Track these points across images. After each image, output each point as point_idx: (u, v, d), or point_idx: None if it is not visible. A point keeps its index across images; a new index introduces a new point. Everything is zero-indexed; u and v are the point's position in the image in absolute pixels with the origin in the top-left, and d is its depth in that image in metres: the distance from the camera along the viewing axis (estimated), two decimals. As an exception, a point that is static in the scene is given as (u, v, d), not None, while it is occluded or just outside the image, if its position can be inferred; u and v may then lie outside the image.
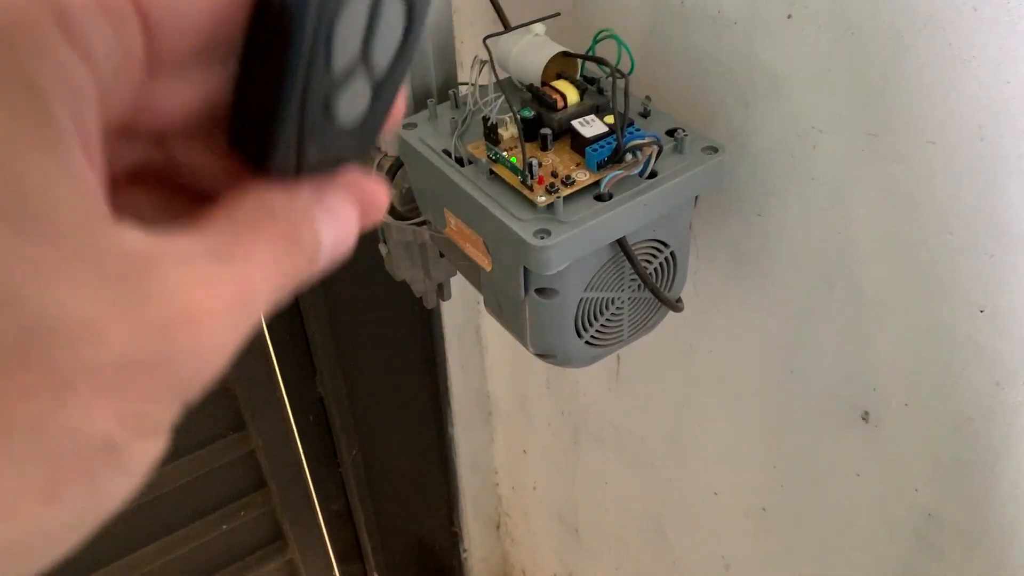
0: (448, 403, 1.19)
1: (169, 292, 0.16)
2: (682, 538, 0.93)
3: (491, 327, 1.13)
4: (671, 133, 0.52)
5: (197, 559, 1.23)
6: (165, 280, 0.16)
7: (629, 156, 0.49)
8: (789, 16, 0.52)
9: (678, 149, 0.51)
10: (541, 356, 0.55)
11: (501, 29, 0.57)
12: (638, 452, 0.92)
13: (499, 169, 0.50)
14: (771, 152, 0.57)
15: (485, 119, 0.51)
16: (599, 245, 0.48)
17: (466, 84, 0.55)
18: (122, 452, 0.16)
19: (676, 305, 0.55)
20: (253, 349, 1.02)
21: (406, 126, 0.55)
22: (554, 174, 0.49)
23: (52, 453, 0.15)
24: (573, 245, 0.47)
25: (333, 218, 0.20)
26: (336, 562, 1.34)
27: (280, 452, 1.16)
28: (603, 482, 1.04)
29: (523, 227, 0.47)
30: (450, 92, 0.56)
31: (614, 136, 0.49)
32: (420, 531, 1.36)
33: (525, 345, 0.55)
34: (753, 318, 0.66)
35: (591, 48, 0.56)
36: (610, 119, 0.50)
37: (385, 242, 0.66)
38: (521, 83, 0.56)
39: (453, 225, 0.54)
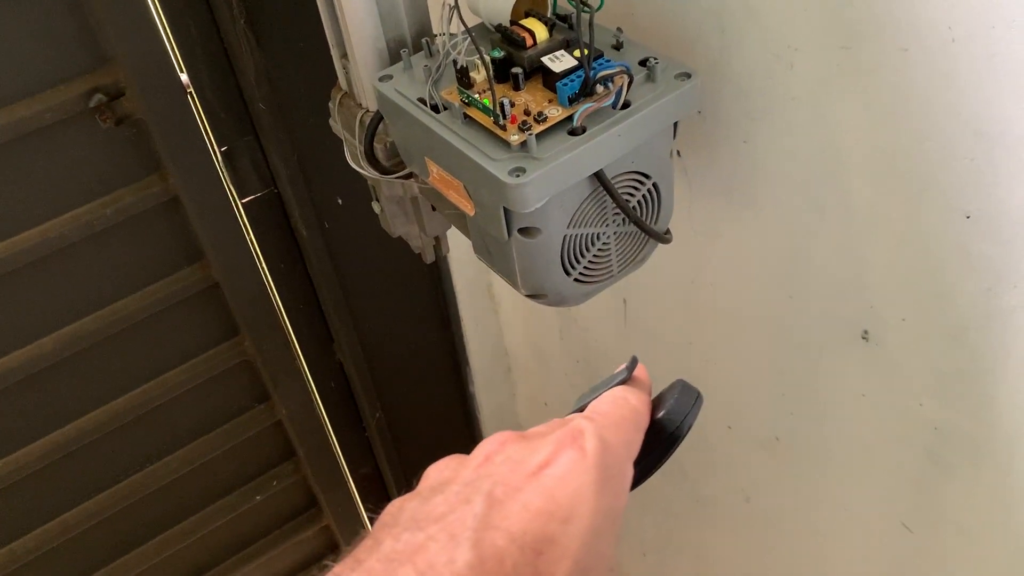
0: (466, 360, 1.20)
1: None
2: (700, 472, 0.93)
3: (502, 282, 1.13)
4: (643, 63, 0.52)
5: (234, 530, 1.26)
6: None
7: (600, 88, 0.48)
8: (756, -65, 0.51)
9: (651, 78, 0.50)
10: (532, 297, 0.55)
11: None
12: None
13: (472, 112, 0.50)
14: (750, 76, 0.57)
15: (455, 63, 0.51)
16: (576, 179, 0.48)
17: (442, 20, 0.55)
18: None
19: (664, 237, 0.55)
20: (268, 321, 1.04)
21: (382, 78, 0.55)
22: (527, 112, 0.49)
23: None
24: (549, 181, 0.47)
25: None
26: (370, 524, 1.37)
27: (305, 420, 1.18)
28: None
29: (498, 167, 0.47)
30: (423, 41, 0.56)
31: (583, 69, 0.49)
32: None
33: (516, 287, 0.55)
34: (749, 247, 0.66)
35: (562, -16, 0.55)
36: (579, 53, 0.49)
37: (377, 199, 0.67)
38: (492, 24, 0.56)
39: (435, 173, 0.54)
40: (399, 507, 0.33)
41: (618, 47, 0.53)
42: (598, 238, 0.53)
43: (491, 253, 0.56)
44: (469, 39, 0.50)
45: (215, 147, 0.87)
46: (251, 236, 0.95)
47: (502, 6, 0.52)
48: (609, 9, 0.55)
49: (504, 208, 0.49)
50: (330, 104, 0.65)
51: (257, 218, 0.94)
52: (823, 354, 0.66)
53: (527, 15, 0.52)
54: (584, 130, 0.48)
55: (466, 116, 0.50)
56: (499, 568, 0.28)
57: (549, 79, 0.50)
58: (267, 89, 0.81)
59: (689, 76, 0.51)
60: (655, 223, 0.56)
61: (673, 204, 0.57)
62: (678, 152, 0.66)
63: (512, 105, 0.49)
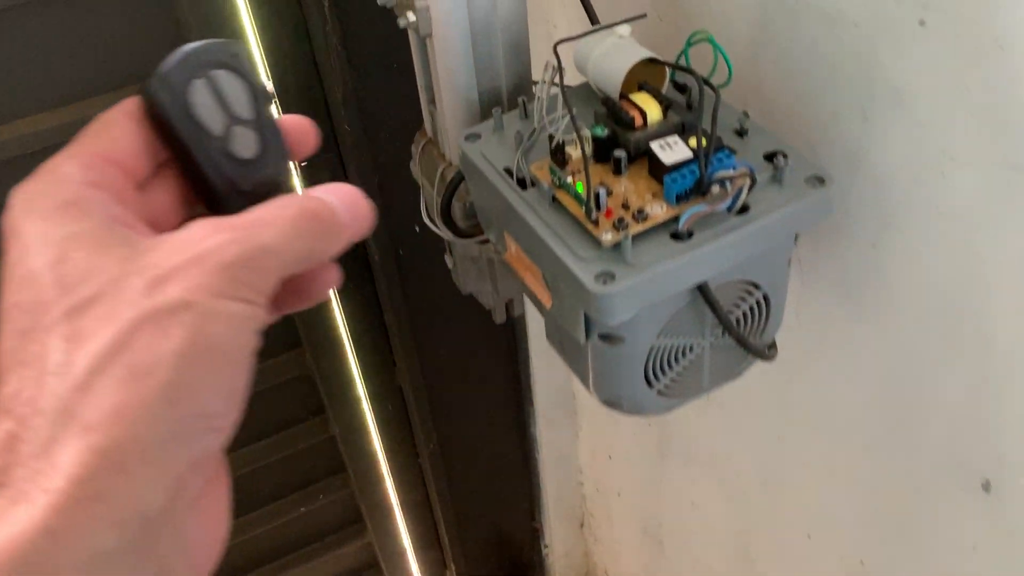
0: (531, 400, 1.14)
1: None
2: (771, 573, 0.85)
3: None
4: (770, 158, 0.44)
5: (276, 538, 1.24)
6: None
7: (716, 188, 0.41)
8: (921, 22, 0.43)
9: (777, 179, 0.43)
10: (606, 404, 0.48)
11: (588, 27, 0.50)
12: (727, 477, 0.84)
13: (562, 196, 0.43)
14: (892, 177, 0.49)
15: (551, 137, 0.44)
16: (674, 291, 0.42)
17: (539, 87, 0.49)
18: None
19: (767, 354, 0.48)
20: (329, 338, 1.00)
21: (468, 137, 0.49)
22: (625, 206, 0.42)
23: None
24: (642, 292, 0.40)
25: (324, 190, 0.28)
26: (414, 549, 1.32)
27: (357, 439, 1.14)
28: (690, 501, 0.97)
29: (583, 268, 0.40)
30: (520, 100, 0.50)
31: (698, 163, 0.41)
32: (500, 524, 1.33)
33: (587, 388, 0.49)
34: (863, 358, 0.58)
35: (683, 52, 0.48)
36: (696, 141, 0.42)
37: (451, 253, 0.61)
38: (601, 90, 0.49)
39: (513, 251, 0.48)
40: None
41: (741, 133, 0.46)
42: (691, 350, 0.46)
43: (564, 347, 0.49)
44: (569, 113, 0.43)
45: (295, 162, 0.82)
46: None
47: (613, 76, 0.46)
48: (731, 85, 0.48)
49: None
50: (413, 147, 0.59)
51: (331, 236, 0.89)
52: (931, 493, 0.57)
53: (640, 88, 0.45)
54: (690, 235, 0.41)
55: (555, 199, 0.44)
56: None
57: (656, 168, 0.43)
58: (355, 110, 0.77)
59: (822, 181, 0.43)
60: (760, 335, 0.49)
61: (783, 315, 0.50)
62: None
63: (609, 194, 0.43)
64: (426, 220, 0.56)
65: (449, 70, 0.50)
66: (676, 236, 0.41)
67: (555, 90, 0.46)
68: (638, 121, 0.44)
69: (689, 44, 0.48)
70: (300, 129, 0.30)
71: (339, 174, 0.85)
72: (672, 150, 0.42)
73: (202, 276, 0.23)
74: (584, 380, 0.48)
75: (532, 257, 0.45)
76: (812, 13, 0.49)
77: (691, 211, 0.41)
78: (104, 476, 0.21)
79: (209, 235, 0.24)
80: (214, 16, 0.71)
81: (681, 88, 0.49)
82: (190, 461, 0.23)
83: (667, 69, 0.47)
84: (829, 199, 0.43)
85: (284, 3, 0.72)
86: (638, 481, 1.09)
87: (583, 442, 1.23)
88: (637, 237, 0.41)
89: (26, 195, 0.25)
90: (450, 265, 0.62)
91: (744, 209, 0.42)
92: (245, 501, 1.17)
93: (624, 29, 0.48)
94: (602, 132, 0.44)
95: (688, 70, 0.44)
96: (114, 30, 0.71)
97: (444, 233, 0.55)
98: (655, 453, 1.01)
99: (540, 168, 0.45)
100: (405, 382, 1.07)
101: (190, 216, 0.28)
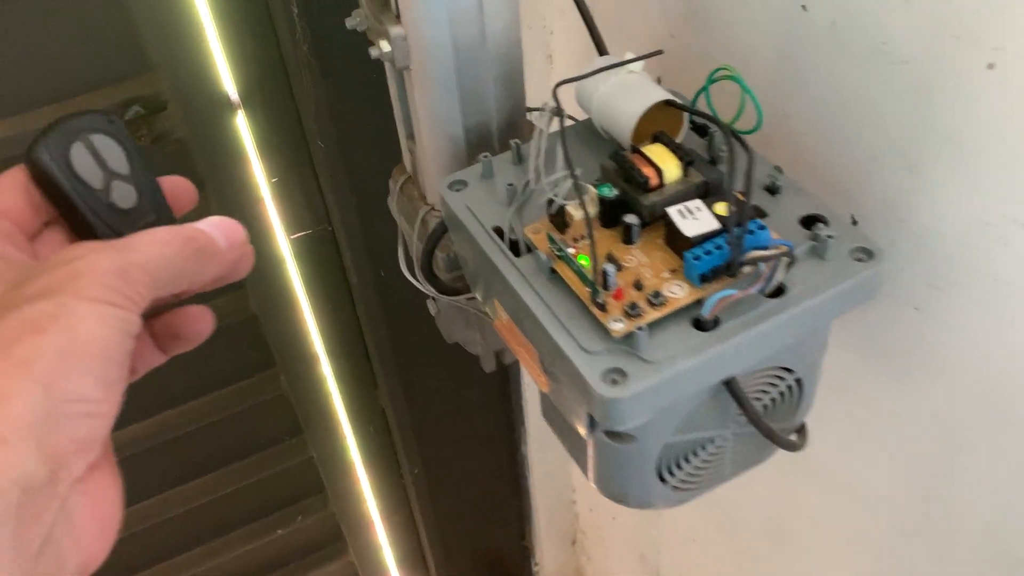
0: (522, 421, 1.07)
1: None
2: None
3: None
4: (808, 223, 0.38)
5: (255, 557, 1.18)
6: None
7: (747, 268, 0.35)
8: (990, 66, 0.36)
9: (817, 252, 0.36)
10: (610, 498, 0.42)
11: (591, 58, 0.43)
12: (728, 519, 0.78)
13: (563, 270, 0.37)
14: (942, 236, 0.42)
15: (549, 201, 0.37)
16: (696, 389, 0.35)
17: (536, 134, 0.42)
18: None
19: (794, 444, 0.42)
20: (305, 358, 0.93)
21: (454, 184, 0.42)
22: (638, 285, 0.35)
23: None
24: (659, 394, 0.34)
25: (205, 221, 0.31)
26: (398, 568, 1.27)
27: (336, 460, 1.08)
28: (691, 539, 0.91)
29: (588, 363, 0.34)
30: (513, 143, 0.43)
31: (726, 237, 0.35)
32: (488, 544, 1.27)
33: (587, 478, 0.42)
34: (892, 425, 0.52)
35: (703, 91, 0.41)
36: (723, 207, 0.36)
37: (434, 300, 0.54)
38: (606, 132, 0.42)
39: (504, 321, 0.41)
40: None
41: (773, 191, 0.39)
42: (711, 442, 0.40)
43: (561, 431, 0.43)
44: (572, 173, 0.36)
45: (265, 176, 0.75)
46: (297, 273, 0.84)
47: (622, 121, 0.39)
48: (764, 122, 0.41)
49: (590, 410, 0.36)
50: (391, 182, 0.52)
51: (306, 255, 0.82)
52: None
53: (655, 138, 0.39)
54: (716, 323, 0.34)
55: (553, 272, 0.37)
56: None
57: (676, 240, 0.36)
58: (329, 126, 0.69)
59: (871, 255, 0.36)
60: (790, 419, 0.42)
61: (816, 394, 0.43)
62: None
63: (619, 269, 0.36)
64: (405, 271, 0.49)
65: (431, 106, 0.43)
66: (700, 324, 0.35)
67: (553, 132, 0.39)
68: (653, 181, 0.37)
69: (711, 81, 0.41)
70: (179, 187, 0.33)
71: (312, 192, 0.77)
72: (695, 219, 0.35)
73: (77, 282, 0.26)
74: (585, 471, 0.42)
75: (527, 335, 0.39)
76: (853, 45, 0.42)
77: (718, 296, 0.34)
78: None
79: (87, 251, 0.27)
80: (171, 22, 0.64)
81: (700, 130, 0.43)
82: (71, 440, 0.26)
83: (684, 114, 0.40)
84: (879, 278, 0.36)
85: (249, 9, 0.64)
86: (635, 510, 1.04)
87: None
88: (653, 326, 0.34)
89: None
90: (433, 312, 0.55)
91: (779, 291, 0.35)
92: (223, 521, 1.11)
93: (635, 64, 0.41)
94: (610, 192, 0.37)
95: (716, 121, 0.37)
96: (66, 38, 0.63)
97: (426, 289, 0.48)
98: (653, 484, 0.95)
99: (537, 232, 0.38)
100: (387, 404, 1.00)
101: None
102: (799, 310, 0.35)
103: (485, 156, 0.42)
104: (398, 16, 0.40)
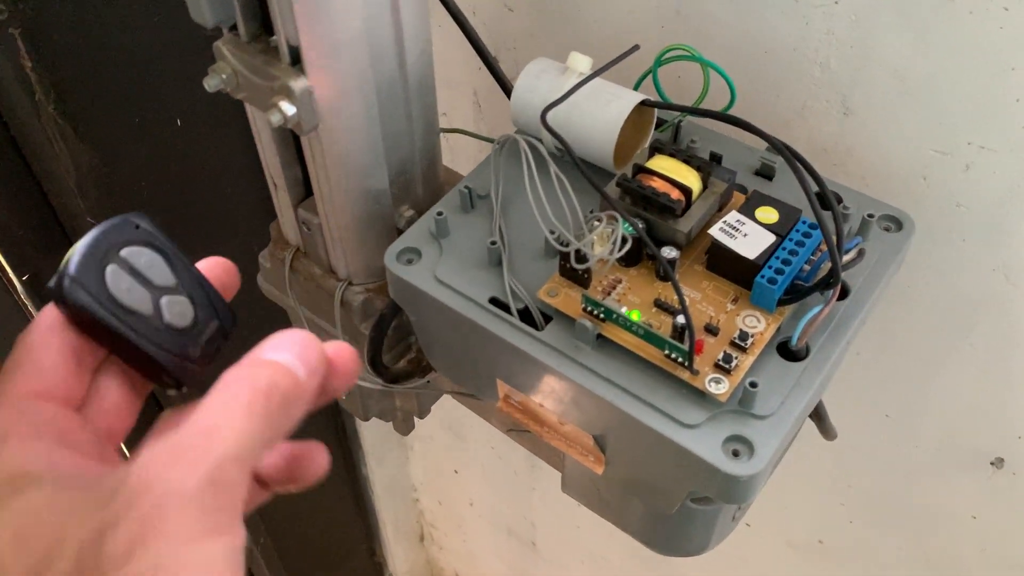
0: (359, 444, 0.99)
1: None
2: (672, 562, 0.80)
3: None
4: (822, 203, 0.34)
5: None
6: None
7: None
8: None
9: (860, 234, 0.33)
10: (683, 555, 0.37)
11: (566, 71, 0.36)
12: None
13: (615, 334, 0.30)
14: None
15: (571, 253, 0.30)
16: (800, 425, 0.31)
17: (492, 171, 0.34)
18: None
19: (834, 433, 0.39)
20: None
21: (401, 256, 0.34)
22: (710, 328, 0.30)
23: None
24: (783, 447, 0.29)
25: (271, 346, 0.23)
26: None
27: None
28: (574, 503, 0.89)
29: (698, 440, 0.28)
30: (463, 189, 0.35)
31: (787, 246, 0.30)
32: (343, 570, 1.17)
33: (648, 547, 0.37)
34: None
35: (651, 72, 0.36)
36: (770, 213, 0.31)
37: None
38: (559, 149, 0.36)
39: (517, 403, 0.34)
40: None
41: (769, 176, 0.35)
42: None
43: (609, 504, 0.37)
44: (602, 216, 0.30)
45: (10, 275, 0.59)
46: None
47: (601, 135, 0.33)
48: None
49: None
50: (262, 259, 0.42)
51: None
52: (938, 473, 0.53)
53: (652, 152, 0.33)
54: (808, 351, 0.30)
55: (600, 337, 0.31)
56: None
57: (725, 263, 0.31)
58: (97, 194, 0.55)
59: (899, 225, 0.34)
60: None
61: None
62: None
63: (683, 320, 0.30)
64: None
65: (348, 163, 0.34)
66: (788, 352, 0.30)
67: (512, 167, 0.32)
68: (682, 202, 0.31)
69: (659, 63, 0.36)
70: (219, 269, 0.27)
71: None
72: (744, 235, 0.31)
73: (164, 524, 0.20)
74: (651, 544, 0.36)
75: (570, 418, 0.32)
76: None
77: (807, 318, 0.30)
78: None
79: (166, 467, 0.21)
80: None
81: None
82: None
83: (655, 112, 0.35)
84: (910, 244, 0.34)
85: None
86: (499, 490, 1.00)
87: (415, 462, 1.10)
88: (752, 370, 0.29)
89: None
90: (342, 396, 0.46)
91: (844, 292, 0.32)
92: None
93: (581, 62, 0.35)
94: (631, 230, 0.31)
95: (730, 117, 0.32)
96: None
97: (371, 383, 0.39)
98: (524, 464, 0.92)
99: (555, 295, 0.31)
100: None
101: (140, 398, 0.26)
102: (871, 303, 0.32)
103: (437, 215, 0.34)
104: (295, 64, 0.30)
